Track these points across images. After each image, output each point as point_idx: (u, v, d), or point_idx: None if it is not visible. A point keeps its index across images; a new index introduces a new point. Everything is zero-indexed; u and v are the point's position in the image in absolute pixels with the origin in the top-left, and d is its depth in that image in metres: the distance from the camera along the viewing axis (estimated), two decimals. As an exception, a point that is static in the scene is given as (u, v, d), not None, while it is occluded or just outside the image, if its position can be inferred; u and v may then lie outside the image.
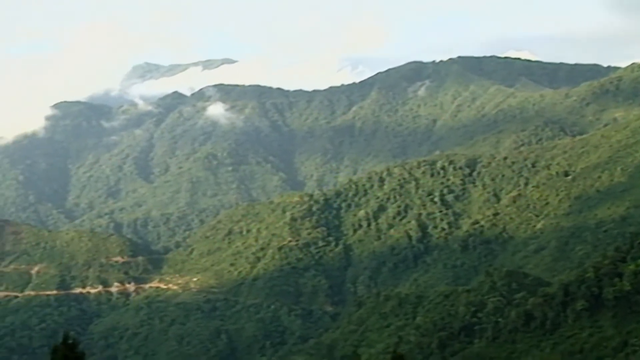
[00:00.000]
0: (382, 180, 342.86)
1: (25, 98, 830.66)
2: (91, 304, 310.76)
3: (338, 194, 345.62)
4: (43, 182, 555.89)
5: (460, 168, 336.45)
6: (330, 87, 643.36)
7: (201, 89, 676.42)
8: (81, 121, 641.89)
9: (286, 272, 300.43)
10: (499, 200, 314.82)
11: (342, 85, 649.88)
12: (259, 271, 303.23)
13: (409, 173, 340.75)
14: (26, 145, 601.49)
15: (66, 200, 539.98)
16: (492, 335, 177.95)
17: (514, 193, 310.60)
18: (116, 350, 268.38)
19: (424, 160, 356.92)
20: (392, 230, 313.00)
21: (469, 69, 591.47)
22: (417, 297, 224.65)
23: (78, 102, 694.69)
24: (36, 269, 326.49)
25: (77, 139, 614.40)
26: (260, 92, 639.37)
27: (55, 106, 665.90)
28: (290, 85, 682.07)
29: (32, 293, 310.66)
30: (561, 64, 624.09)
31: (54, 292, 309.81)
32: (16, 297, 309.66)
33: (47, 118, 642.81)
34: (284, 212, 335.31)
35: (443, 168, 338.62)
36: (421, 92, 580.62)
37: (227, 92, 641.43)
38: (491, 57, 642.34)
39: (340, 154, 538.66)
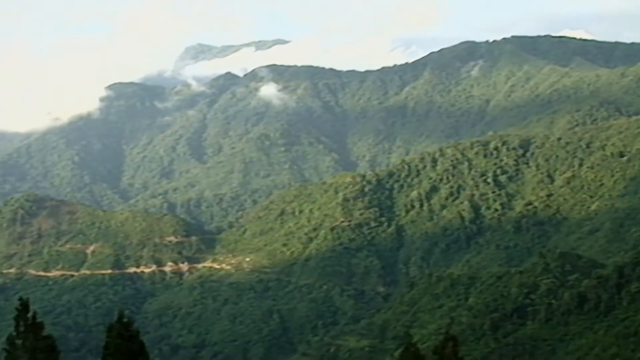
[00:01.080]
0: (434, 160, 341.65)
1: (80, 80, 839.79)
2: (145, 283, 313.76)
3: (390, 174, 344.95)
4: (98, 162, 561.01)
5: (514, 149, 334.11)
6: (383, 68, 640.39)
7: (254, 70, 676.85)
8: (135, 102, 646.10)
9: (338, 252, 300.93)
10: (552, 181, 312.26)
11: (395, 65, 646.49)
12: (312, 251, 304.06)
13: (462, 154, 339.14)
14: (81, 126, 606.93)
15: (120, 180, 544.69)
16: (545, 317, 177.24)
17: (568, 174, 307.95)
18: (170, 329, 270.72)
19: (477, 141, 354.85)
20: (444, 211, 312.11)
21: (523, 48, 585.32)
22: (470, 279, 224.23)
23: (132, 84, 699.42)
24: (91, 248, 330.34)
25: (131, 120, 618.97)
26: (312, 73, 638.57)
27: (110, 87, 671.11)
28: (342, 66, 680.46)
29: (88, 272, 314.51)
30: (617, 43, 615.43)
31: (109, 271, 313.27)
32: (72, 276, 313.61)
33: (102, 99, 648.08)
34: (336, 192, 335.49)
35: (496, 149, 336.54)
36: (474, 72, 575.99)
37: (279, 73, 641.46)
38: (545, 36, 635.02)
39: (393, 135, 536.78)
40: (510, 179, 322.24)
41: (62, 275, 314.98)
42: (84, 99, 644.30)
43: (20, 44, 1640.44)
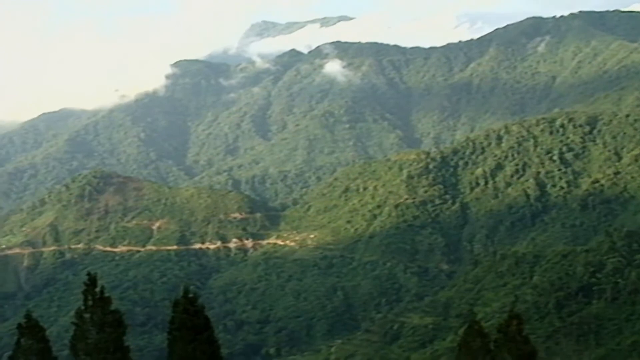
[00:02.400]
0: (499, 138, 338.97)
1: (146, 57, 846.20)
2: (210, 259, 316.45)
3: (455, 151, 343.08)
4: (163, 139, 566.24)
5: (580, 126, 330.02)
6: (448, 44, 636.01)
7: (318, 47, 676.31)
8: (200, 79, 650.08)
9: (402, 229, 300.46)
10: (620, 158, 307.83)
11: (460, 41, 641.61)
12: (376, 228, 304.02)
13: (528, 131, 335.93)
14: (147, 103, 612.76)
15: (186, 157, 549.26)
16: (611, 296, 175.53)
17: (636, 151, 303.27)
18: (234, 304, 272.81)
19: (543, 118, 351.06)
20: (509, 189, 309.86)
21: (590, 23, 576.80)
22: (535, 257, 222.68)
23: (197, 61, 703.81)
24: (157, 224, 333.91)
25: (196, 97, 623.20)
26: (377, 49, 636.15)
27: (175, 65, 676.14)
28: (407, 42, 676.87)
29: (154, 248, 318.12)
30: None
31: (175, 247, 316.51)
32: (138, 251, 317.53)
33: (168, 77, 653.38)
34: (400, 169, 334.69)
35: (562, 126, 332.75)
36: (541, 48, 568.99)
37: (344, 50, 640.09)
38: (614, 11, 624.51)
39: (458, 112, 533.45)
40: (576, 156, 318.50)
41: (129, 250, 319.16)
42: (150, 76, 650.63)
43: (87, 23, 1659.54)
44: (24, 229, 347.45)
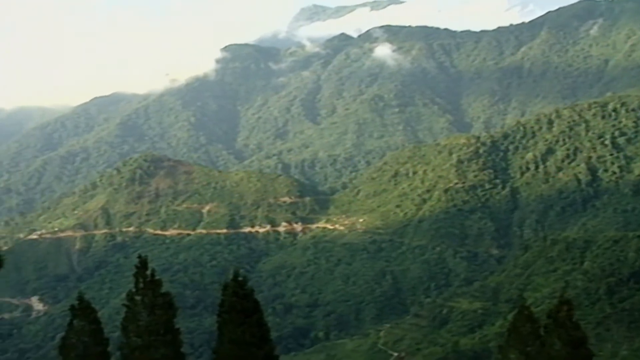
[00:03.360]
0: (550, 122, 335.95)
1: (197, 41, 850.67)
2: (259, 242, 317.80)
3: (505, 136, 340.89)
4: (213, 123, 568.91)
5: (633, 110, 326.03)
6: (499, 28, 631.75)
7: (368, 31, 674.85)
8: (250, 63, 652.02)
9: (452, 214, 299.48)
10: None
11: (511, 25, 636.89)
12: (425, 213, 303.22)
13: (579, 115, 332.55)
14: (197, 87, 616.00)
15: (235, 141, 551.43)
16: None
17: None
18: (283, 288, 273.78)
19: (595, 102, 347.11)
20: (560, 174, 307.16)
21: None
22: (585, 242, 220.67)
23: (247, 45, 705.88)
24: (207, 208, 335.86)
25: (246, 81, 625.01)
26: (427, 33, 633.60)
27: (225, 49, 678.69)
28: (457, 26, 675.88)
29: (204, 231, 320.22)
30: None
31: (224, 230, 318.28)
32: (188, 235, 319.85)
33: (218, 61, 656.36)
34: (450, 154, 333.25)
35: (615, 110, 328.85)
36: (593, 31, 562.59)
37: (394, 33, 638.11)
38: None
39: (508, 96, 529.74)
40: (629, 141, 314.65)
41: (179, 234, 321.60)
42: (200, 60, 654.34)
43: (139, 7, 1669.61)
44: (76, 212, 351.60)
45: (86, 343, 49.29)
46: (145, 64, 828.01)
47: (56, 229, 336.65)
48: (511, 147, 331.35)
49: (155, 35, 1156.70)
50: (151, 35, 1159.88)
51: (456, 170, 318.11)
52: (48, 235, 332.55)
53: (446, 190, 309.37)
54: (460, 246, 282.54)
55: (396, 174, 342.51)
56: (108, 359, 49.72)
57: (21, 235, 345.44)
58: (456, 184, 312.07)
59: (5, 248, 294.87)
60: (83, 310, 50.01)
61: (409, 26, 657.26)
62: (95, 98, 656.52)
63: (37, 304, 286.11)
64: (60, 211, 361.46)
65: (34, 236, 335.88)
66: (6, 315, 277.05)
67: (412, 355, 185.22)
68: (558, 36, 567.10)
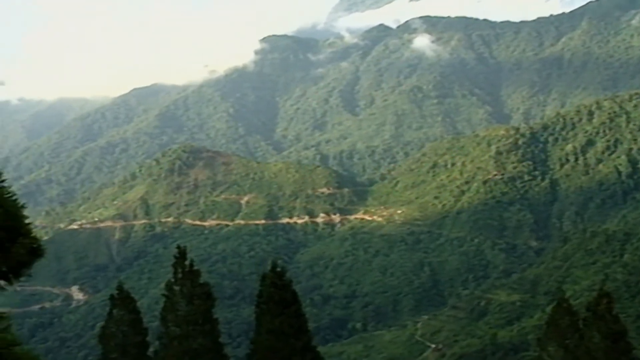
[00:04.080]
0: (591, 113, 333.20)
1: (236, 32, 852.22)
2: (298, 233, 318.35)
3: (545, 127, 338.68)
4: (252, 114, 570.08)
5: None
6: (539, 18, 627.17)
7: (407, 21, 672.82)
8: (289, 54, 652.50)
9: (490, 205, 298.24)
10: None
11: (551, 15, 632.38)
12: (463, 204, 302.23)
13: (620, 106, 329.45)
14: (236, 78, 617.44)
15: (274, 132, 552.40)
16: None
17: None
18: (321, 279, 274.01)
19: (636, 93, 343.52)
20: (600, 165, 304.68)
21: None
22: (625, 234, 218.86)
23: (285, 36, 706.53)
24: (246, 198, 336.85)
25: (285, 72, 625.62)
26: (466, 24, 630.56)
27: (264, 40, 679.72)
28: (497, 16, 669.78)
29: (242, 222, 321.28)
30: None
31: (263, 221, 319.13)
32: (227, 225, 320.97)
33: (257, 52, 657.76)
34: (489, 145, 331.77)
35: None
36: (635, 21, 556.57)
37: (433, 24, 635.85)
38: None
39: (548, 87, 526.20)
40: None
41: (218, 224, 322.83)
42: (239, 51, 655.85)
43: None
44: (115, 202, 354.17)
45: (125, 332, 49.78)
46: (185, 55, 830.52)
47: (96, 219, 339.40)
48: (551, 138, 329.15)
49: (195, 27, 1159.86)
50: (191, 27, 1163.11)
51: (495, 162, 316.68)
52: (88, 226, 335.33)
53: (485, 182, 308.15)
54: (499, 238, 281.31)
55: (435, 165, 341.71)
56: (147, 348, 50.16)
57: (61, 225, 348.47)
58: (495, 175, 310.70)
59: (46, 238, 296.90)
60: (122, 299, 50.49)
61: (448, 17, 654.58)
62: (135, 89, 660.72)
63: (77, 294, 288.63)
64: (100, 201, 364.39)
65: (74, 226, 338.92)
66: (47, 304, 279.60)
67: (450, 347, 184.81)
68: (599, 26, 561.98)
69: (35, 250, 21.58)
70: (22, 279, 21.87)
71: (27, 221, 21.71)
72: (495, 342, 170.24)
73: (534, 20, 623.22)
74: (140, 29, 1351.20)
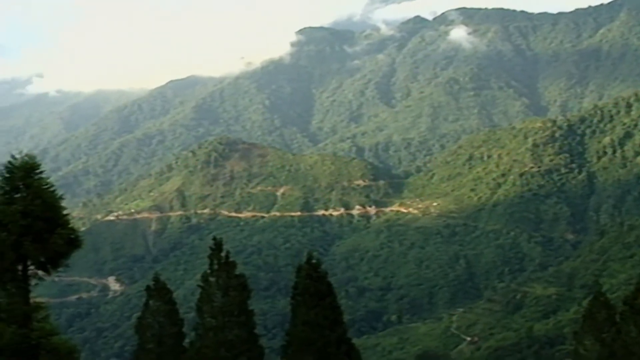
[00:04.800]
0: (629, 106, 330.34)
1: (272, 24, 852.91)
2: (333, 225, 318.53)
3: (582, 119, 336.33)
4: (288, 106, 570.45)
5: None
6: (577, 9, 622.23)
7: (443, 13, 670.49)
8: (325, 46, 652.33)
9: (527, 198, 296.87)
10: None
11: (589, 6, 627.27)
12: (499, 197, 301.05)
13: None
14: (272, 70, 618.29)
15: (310, 124, 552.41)
16: None
17: None
18: (356, 271, 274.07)
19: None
20: (638, 158, 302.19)
21: None
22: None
23: (322, 28, 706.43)
24: (281, 190, 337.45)
25: (321, 64, 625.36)
26: (503, 15, 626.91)
27: (300, 32, 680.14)
28: (534, 8, 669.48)
29: (278, 214, 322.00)
30: None
31: (298, 213, 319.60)
32: (262, 217, 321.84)
33: (292, 44, 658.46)
34: (525, 137, 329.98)
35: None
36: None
37: (469, 16, 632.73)
38: None
39: (586, 79, 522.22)
40: None
41: (253, 216, 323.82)
42: (275, 43, 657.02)
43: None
44: (152, 193, 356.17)
45: (162, 323, 50.08)
46: (221, 47, 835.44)
47: (132, 211, 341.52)
48: (588, 131, 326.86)
49: (232, 19, 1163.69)
50: (227, 19, 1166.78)
51: (532, 154, 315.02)
52: (125, 217, 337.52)
53: (521, 175, 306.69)
54: (535, 231, 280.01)
55: (471, 158, 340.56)
56: (183, 339, 50.44)
57: (99, 217, 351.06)
58: (531, 168, 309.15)
59: (83, 229, 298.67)
60: (159, 290, 50.79)
61: (485, 8, 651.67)
62: (172, 81, 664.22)
63: (113, 284, 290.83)
64: (137, 193, 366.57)
65: (111, 217, 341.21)
66: (84, 295, 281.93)
67: (485, 340, 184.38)
68: (638, 18, 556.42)
69: (73, 241, 21.84)
70: (60, 269, 22.14)
71: (65, 212, 21.99)
72: (531, 336, 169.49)
73: (571, 12, 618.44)
74: (177, 21, 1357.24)
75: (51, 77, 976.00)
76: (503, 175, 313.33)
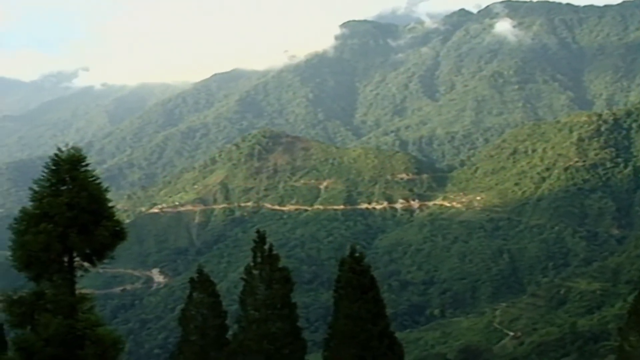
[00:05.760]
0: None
1: (316, 18, 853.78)
2: (376, 219, 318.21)
3: (629, 113, 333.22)
4: (331, 100, 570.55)
5: None
6: (624, 2, 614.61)
7: (488, 6, 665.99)
8: (368, 40, 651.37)
9: (571, 193, 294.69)
10: None
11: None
12: (544, 191, 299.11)
13: None
14: (316, 64, 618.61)
15: (353, 117, 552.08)
16: None
17: None
18: (399, 265, 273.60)
19: None
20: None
21: None
22: None
23: (366, 21, 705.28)
24: (324, 184, 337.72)
25: (365, 58, 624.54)
26: (549, 8, 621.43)
27: (344, 25, 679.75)
28: (580, 1, 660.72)
29: (321, 207, 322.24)
30: None
31: (341, 206, 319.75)
32: (306, 210, 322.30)
33: (336, 37, 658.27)
34: (570, 131, 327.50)
35: None
36: None
37: (514, 9, 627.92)
38: None
39: (632, 72, 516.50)
40: None
41: (296, 209, 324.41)
42: (319, 37, 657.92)
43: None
44: (195, 186, 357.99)
45: (205, 315, 50.38)
46: (265, 40, 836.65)
47: (176, 203, 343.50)
48: (634, 125, 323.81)
49: (276, 12, 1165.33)
50: (271, 12, 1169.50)
51: (577, 149, 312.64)
52: (169, 209, 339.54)
53: (566, 169, 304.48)
54: (580, 226, 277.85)
55: (515, 152, 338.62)
56: (226, 331, 50.71)
57: (143, 209, 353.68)
58: (576, 162, 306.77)
59: (127, 221, 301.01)
60: (202, 283, 51.10)
61: (530, 1, 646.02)
62: (216, 74, 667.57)
63: (157, 276, 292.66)
64: (181, 185, 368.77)
65: (155, 210, 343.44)
66: (128, 287, 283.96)
67: (528, 335, 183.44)
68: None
69: (118, 233, 22.07)
70: (105, 261, 22.38)
71: (110, 205, 22.23)
72: (575, 331, 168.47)
73: (618, 4, 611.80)
74: (222, 15, 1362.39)
75: (97, 71, 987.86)
76: (547, 169, 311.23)
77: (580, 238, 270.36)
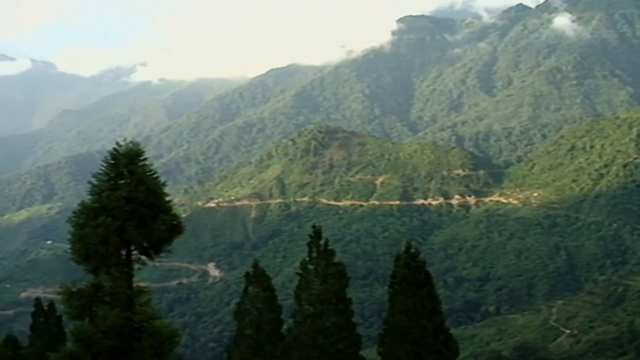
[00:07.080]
0: None
1: (373, 13, 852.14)
2: (432, 215, 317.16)
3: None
4: (388, 95, 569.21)
5: None
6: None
7: (546, 0, 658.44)
8: (425, 35, 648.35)
9: (630, 189, 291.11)
10: None
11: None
12: (602, 188, 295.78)
13: None
14: (372, 59, 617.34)
15: (410, 113, 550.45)
16: None
17: None
18: (455, 261, 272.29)
19: None
20: None
21: None
22: None
23: (422, 17, 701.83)
24: (380, 179, 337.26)
25: (421, 53, 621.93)
26: (609, 3, 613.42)
27: (401, 21, 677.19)
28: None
29: (376, 203, 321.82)
30: None
31: (397, 202, 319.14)
32: (361, 205, 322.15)
33: (393, 32, 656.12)
34: (630, 127, 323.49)
35: None
36: None
37: (573, 3, 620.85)
38: None
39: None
40: None
41: (352, 204, 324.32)
42: (376, 32, 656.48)
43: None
44: (252, 181, 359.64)
45: (260, 309, 50.74)
46: (322, 35, 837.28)
47: (233, 198, 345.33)
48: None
49: (333, 7, 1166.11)
50: (328, 7, 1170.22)
51: (636, 145, 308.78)
52: (225, 204, 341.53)
53: (625, 165, 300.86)
54: (638, 223, 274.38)
55: (573, 148, 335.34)
56: (281, 326, 51.02)
57: (199, 203, 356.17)
58: (635, 158, 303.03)
59: (184, 215, 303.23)
60: (258, 277, 51.44)
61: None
62: (272, 69, 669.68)
63: (213, 270, 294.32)
64: (237, 180, 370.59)
65: (211, 204, 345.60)
66: (184, 280, 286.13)
67: (585, 333, 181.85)
68: None
69: (174, 227, 22.33)
70: (162, 254, 22.64)
71: (167, 199, 22.49)
72: (633, 330, 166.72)
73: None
74: (279, 10, 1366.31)
75: (154, 66, 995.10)
76: (606, 165, 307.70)
77: (639, 236, 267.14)
